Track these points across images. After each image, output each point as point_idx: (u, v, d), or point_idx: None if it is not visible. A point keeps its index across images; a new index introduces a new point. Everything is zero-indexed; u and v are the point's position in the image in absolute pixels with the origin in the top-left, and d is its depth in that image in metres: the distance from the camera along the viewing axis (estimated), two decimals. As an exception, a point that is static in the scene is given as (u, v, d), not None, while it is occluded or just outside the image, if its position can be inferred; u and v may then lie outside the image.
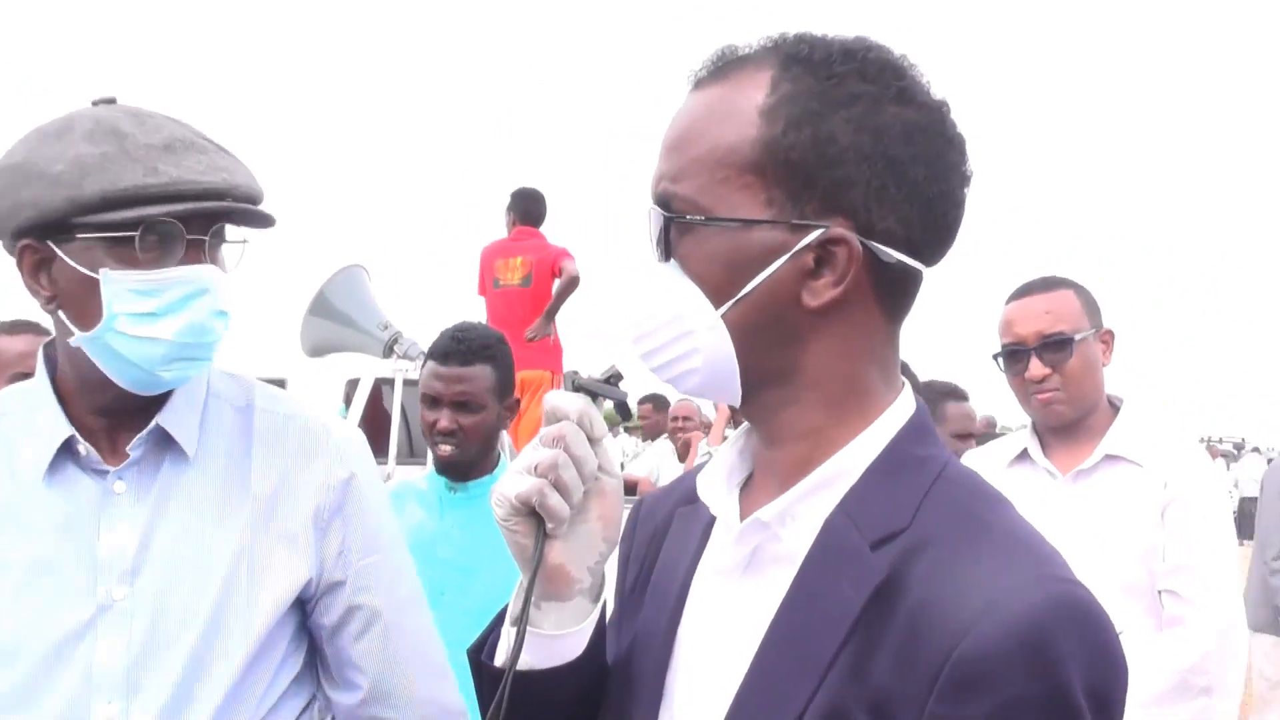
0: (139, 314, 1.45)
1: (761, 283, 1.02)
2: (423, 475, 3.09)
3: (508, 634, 1.10)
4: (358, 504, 1.61)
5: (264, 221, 1.54)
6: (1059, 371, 2.61)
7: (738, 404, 1.09)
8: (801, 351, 1.05)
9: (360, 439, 1.69)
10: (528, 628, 1.08)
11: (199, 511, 1.53)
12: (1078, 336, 2.61)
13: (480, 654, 1.14)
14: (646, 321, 1.08)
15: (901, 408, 1.08)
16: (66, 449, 1.52)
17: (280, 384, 7.32)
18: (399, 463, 7.74)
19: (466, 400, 2.84)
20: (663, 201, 1.06)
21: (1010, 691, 0.91)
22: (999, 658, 0.91)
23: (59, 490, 1.52)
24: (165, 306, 1.45)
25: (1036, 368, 2.61)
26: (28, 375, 2.85)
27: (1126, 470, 2.59)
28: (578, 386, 1.10)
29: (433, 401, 2.88)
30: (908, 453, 1.06)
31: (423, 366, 2.97)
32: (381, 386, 8.19)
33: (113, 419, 1.54)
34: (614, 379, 1.14)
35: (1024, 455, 2.72)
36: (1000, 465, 2.73)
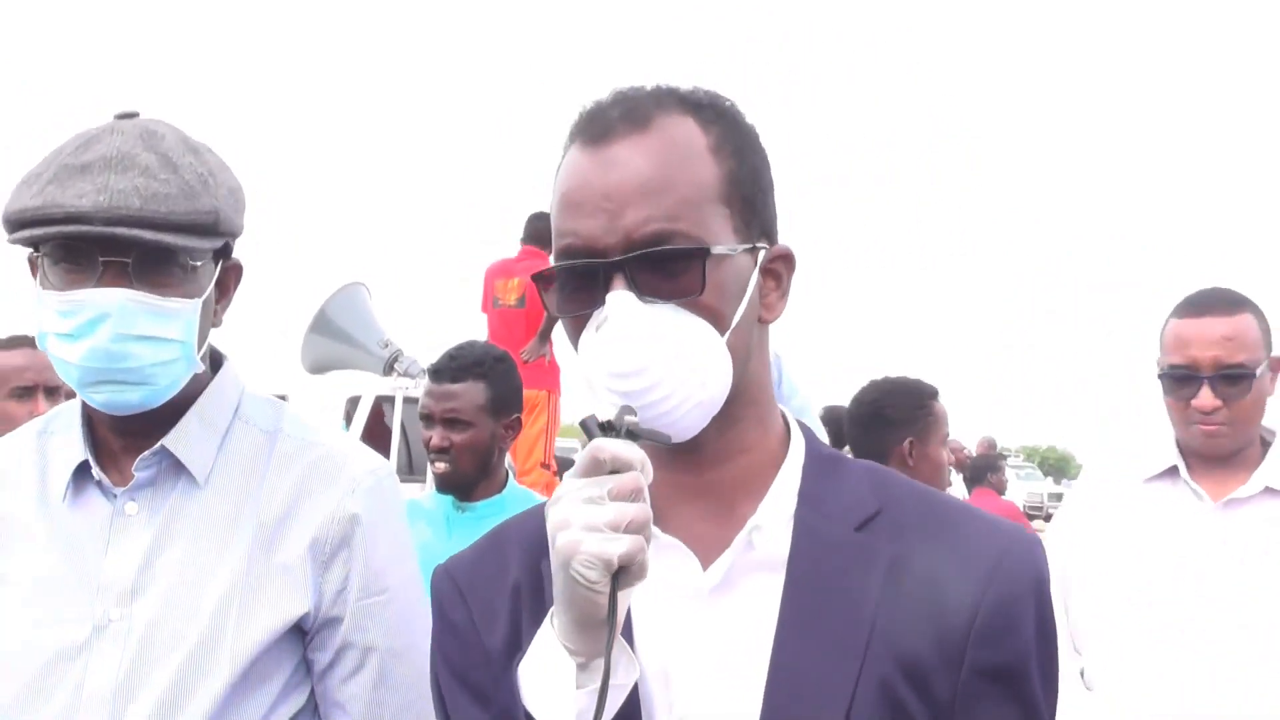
0: (60, 334, 1.44)
1: (747, 304, 1.12)
2: (426, 494, 3.09)
3: (575, 696, 1.03)
4: (366, 540, 1.54)
5: (136, 244, 1.42)
6: (1229, 405, 2.38)
7: (695, 434, 1.11)
8: (749, 368, 1.14)
9: (386, 474, 1.62)
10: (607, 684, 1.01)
11: (203, 536, 1.51)
12: (1258, 371, 2.38)
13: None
14: (657, 365, 1.06)
15: (791, 417, 1.20)
16: (86, 470, 1.53)
17: (281, 399, 7.34)
18: (399, 480, 7.72)
19: (455, 417, 2.84)
20: (658, 242, 1.08)
21: (1029, 625, 1.12)
22: (1020, 600, 1.11)
23: (78, 511, 1.53)
24: (78, 329, 1.42)
25: (1208, 398, 2.37)
26: (26, 389, 2.86)
27: None
28: (629, 433, 1.05)
29: (427, 419, 2.89)
30: (821, 453, 1.19)
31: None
32: (382, 404, 8.20)
33: (128, 440, 1.53)
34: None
35: (1169, 472, 2.50)
36: (1138, 479, 2.53)
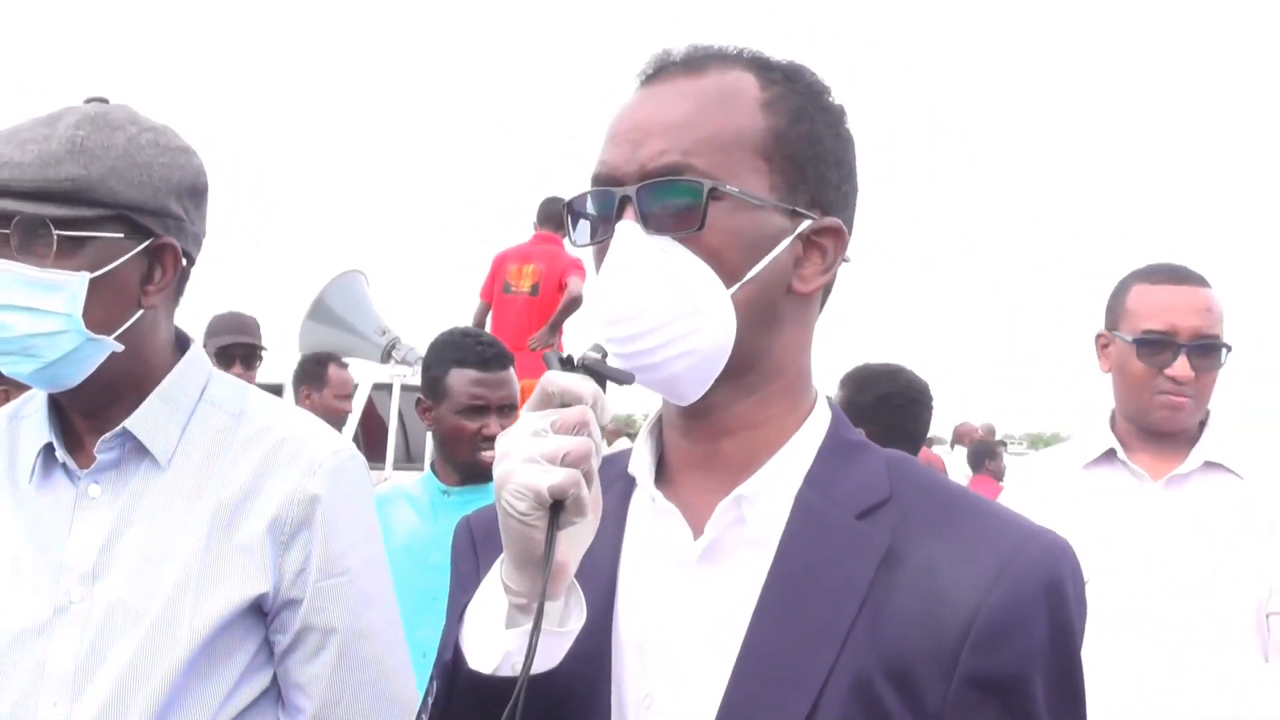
0: None
1: (767, 265, 1.07)
2: (415, 479, 3.08)
3: (504, 637, 1.01)
4: (326, 522, 1.53)
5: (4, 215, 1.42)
6: (1200, 377, 2.32)
7: (698, 397, 1.08)
8: (775, 338, 1.10)
9: (349, 455, 1.60)
10: (537, 628, 0.99)
11: (165, 517, 1.51)
12: (1231, 346, 2.35)
13: (451, 659, 1.05)
14: (648, 296, 1.04)
15: (822, 399, 1.16)
16: (52, 452, 1.53)
17: (277, 389, 7.33)
18: (396, 468, 7.72)
19: (511, 403, 2.89)
20: (668, 174, 1.05)
21: (1036, 635, 1.01)
22: (1026, 606, 1.01)
23: (44, 493, 1.54)
24: None
25: (1185, 368, 2.30)
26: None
27: (1227, 480, 2.35)
28: (586, 368, 1.03)
29: (480, 409, 2.86)
30: (846, 437, 1.13)
31: (423, 372, 2.97)
32: (374, 391, 8.17)
33: (92, 422, 1.53)
34: (605, 357, 1.06)
35: (1107, 456, 2.43)
36: (1075, 466, 2.46)
